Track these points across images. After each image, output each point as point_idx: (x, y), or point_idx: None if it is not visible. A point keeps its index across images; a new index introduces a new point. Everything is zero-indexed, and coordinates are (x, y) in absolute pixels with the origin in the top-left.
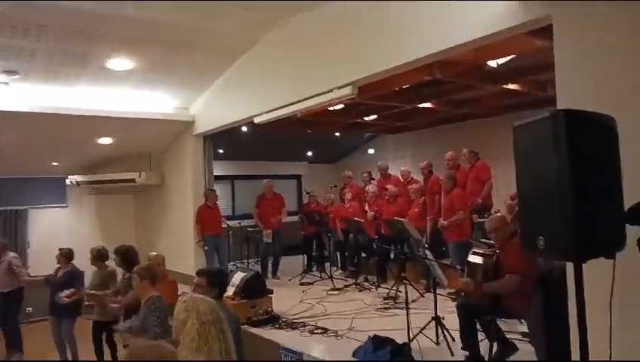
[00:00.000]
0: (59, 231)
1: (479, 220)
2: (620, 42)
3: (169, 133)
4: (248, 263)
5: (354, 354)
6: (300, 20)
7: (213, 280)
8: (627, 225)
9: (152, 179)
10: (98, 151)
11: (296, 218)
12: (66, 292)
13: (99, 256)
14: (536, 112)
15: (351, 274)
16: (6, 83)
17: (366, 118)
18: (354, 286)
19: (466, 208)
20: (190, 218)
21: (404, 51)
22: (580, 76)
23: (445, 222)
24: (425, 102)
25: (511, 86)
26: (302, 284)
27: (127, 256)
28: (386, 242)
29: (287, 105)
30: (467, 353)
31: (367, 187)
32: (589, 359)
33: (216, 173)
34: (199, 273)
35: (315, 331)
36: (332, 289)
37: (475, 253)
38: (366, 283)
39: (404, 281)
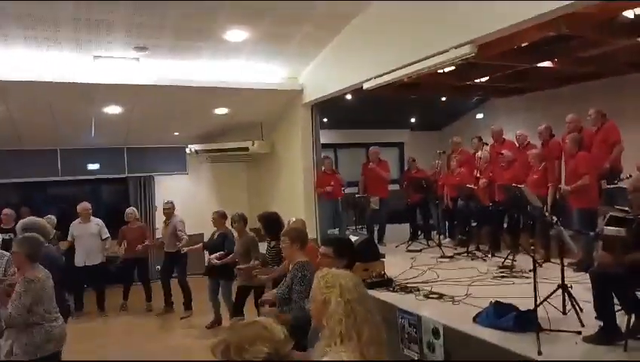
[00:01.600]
0: (181, 196)
1: (608, 186)
2: None
3: (279, 102)
4: (357, 229)
5: (474, 319)
6: None
7: (342, 249)
8: None
9: (263, 147)
10: (214, 121)
11: (397, 186)
12: (216, 255)
13: (241, 222)
14: None
15: (460, 243)
16: (137, 58)
17: (476, 80)
18: (465, 254)
19: (593, 172)
20: (299, 184)
21: (529, 5)
22: None
23: (569, 187)
24: (545, 60)
25: None
26: (409, 251)
27: (272, 222)
28: (501, 209)
29: (400, 68)
30: (601, 323)
31: (478, 153)
32: None
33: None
34: (326, 242)
35: (431, 296)
36: (442, 257)
37: (609, 223)
38: (478, 252)
39: (525, 249)
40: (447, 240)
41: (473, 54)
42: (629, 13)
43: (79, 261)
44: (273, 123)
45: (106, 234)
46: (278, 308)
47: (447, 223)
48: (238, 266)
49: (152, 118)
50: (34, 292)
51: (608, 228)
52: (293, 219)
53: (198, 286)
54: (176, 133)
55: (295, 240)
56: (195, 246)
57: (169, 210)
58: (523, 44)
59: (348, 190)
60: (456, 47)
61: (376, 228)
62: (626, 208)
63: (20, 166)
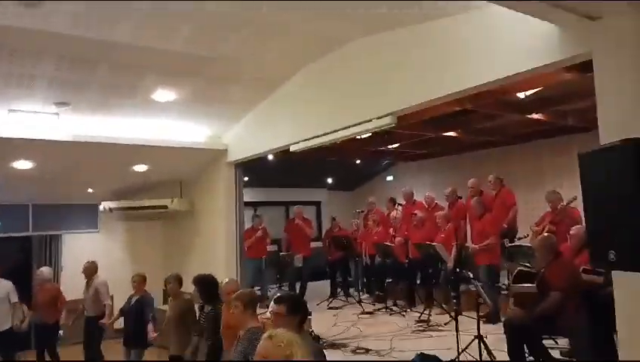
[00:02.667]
0: (92, 255)
1: (510, 244)
2: None
3: (201, 161)
4: (279, 287)
5: None
6: (339, 52)
7: (294, 307)
8: None
9: (182, 205)
10: (132, 178)
11: (319, 243)
12: (150, 328)
13: (176, 283)
14: (560, 140)
15: (378, 299)
16: (56, 114)
17: (388, 146)
18: (384, 309)
19: (497, 233)
20: (220, 243)
21: (446, 83)
22: (621, 107)
23: (477, 246)
24: (450, 130)
25: (535, 115)
26: (330, 308)
27: (209, 285)
28: (416, 266)
29: (325, 134)
30: None
31: (392, 213)
32: None
33: None
34: (278, 300)
35: (358, 351)
36: (363, 313)
37: (517, 280)
38: (395, 307)
39: (442, 304)
40: (366, 296)
41: (393, 125)
42: (521, 94)
43: None
44: (193, 181)
45: (15, 298)
46: None
47: (365, 279)
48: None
49: (65, 174)
50: None
51: (517, 285)
52: (226, 280)
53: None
54: (91, 190)
55: (248, 304)
56: (116, 317)
57: (89, 270)
58: (431, 116)
59: (269, 248)
60: (378, 118)
61: (297, 286)
62: (527, 264)
63: None
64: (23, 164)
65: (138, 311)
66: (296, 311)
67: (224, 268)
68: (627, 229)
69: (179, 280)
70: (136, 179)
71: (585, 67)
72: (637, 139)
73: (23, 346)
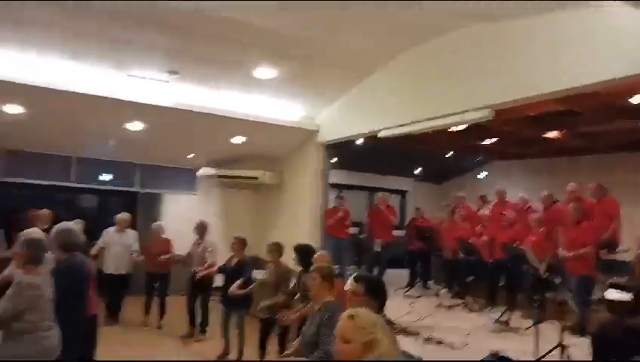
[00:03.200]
0: (189, 215)
1: (609, 256)
2: None
3: (294, 139)
4: (359, 268)
5: None
6: (437, 41)
7: (374, 288)
8: None
9: (272, 178)
10: (229, 148)
11: (400, 232)
12: (238, 285)
13: (277, 251)
14: None
15: (457, 294)
16: (167, 81)
17: (483, 142)
18: (462, 305)
19: (595, 242)
20: (304, 219)
21: (547, 81)
22: None
23: (570, 254)
24: (550, 130)
25: None
26: (407, 297)
27: (308, 255)
28: (500, 267)
29: (417, 122)
30: None
31: (481, 210)
32: None
33: None
34: (357, 279)
35: (430, 341)
36: (440, 306)
37: (612, 288)
38: (474, 305)
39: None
40: (444, 290)
41: (490, 118)
42: (634, 100)
43: (109, 268)
44: (285, 157)
45: (137, 246)
46: (306, 348)
47: (446, 274)
48: (263, 306)
49: (168, 139)
50: (24, 298)
51: (610, 292)
52: (320, 253)
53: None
54: (191, 156)
55: (326, 277)
56: (212, 269)
57: (201, 228)
58: (531, 114)
59: (349, 230)
60: (475, 110)
61: (375, 271)
62: (623, 279)
63: (31, 167)
64: (134, 126)
65: (238, 274)
66: (376, 293)
67: (307, 241)
68: None
69: (279, 249)
70: (233, 150)
71: None
72: None
73: (134, 292)
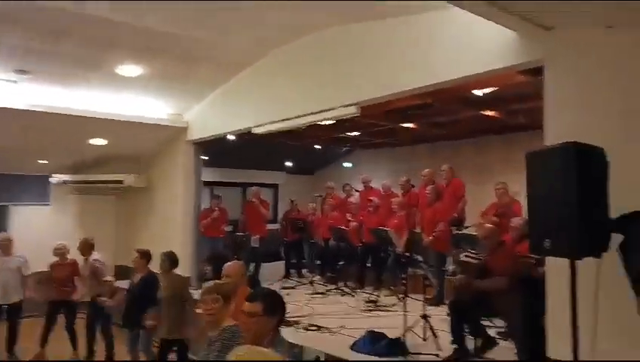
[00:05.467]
0: (41, 229)
1: (458, 232)
2: (603, 85)
3: (161, 138)
4: None
5: (352, 347)
6: (307, 39)
7: (273, 305)
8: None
9: (139, 181)
10: (88, 151)
11: (274, 226)
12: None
13: (171, 262)
14: (510, 137)
15: (329, 280)
16: (14, 81)
17: (349, 134)
18: (335, 290)
19: (446, 220)
20: (176, 222)
21: (410, 79)
22: (565, 113)
23: (430, 237)
24: (408, 122)
25: (488, 112)
26: (283, 288)
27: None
28: (368, 250)
29: (289, 119)
30: (456, 346)
31: (350, 198)
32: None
33: None
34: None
35: (310, 328)
36: (315, 293)
37: (467, 256)
38: (346, 289)
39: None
40: (318, 277)
41: (358, 114)
42: (479, 92)
43: None
44: (153, 158)
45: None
46: None
47: (318, 262)
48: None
49: (16, 144)
50: None
51: (465, 257)
52: (231, 263)
53: None
54: (44, 162)
55: (227, 299)
56: (117, 297)
57: (85, 246)
58: (391, 108)
59: (226, 228)
60: (344, 107)
61: (251, 267)
62: (472, 250)
63: None
64: None
65: (145, 292)
66: (275, 311)
67: (179, 246)
68: (561, 220)
69: (171, 259)
70: (93, 153)
71: (538, 70)
72: (576, 143)
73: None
